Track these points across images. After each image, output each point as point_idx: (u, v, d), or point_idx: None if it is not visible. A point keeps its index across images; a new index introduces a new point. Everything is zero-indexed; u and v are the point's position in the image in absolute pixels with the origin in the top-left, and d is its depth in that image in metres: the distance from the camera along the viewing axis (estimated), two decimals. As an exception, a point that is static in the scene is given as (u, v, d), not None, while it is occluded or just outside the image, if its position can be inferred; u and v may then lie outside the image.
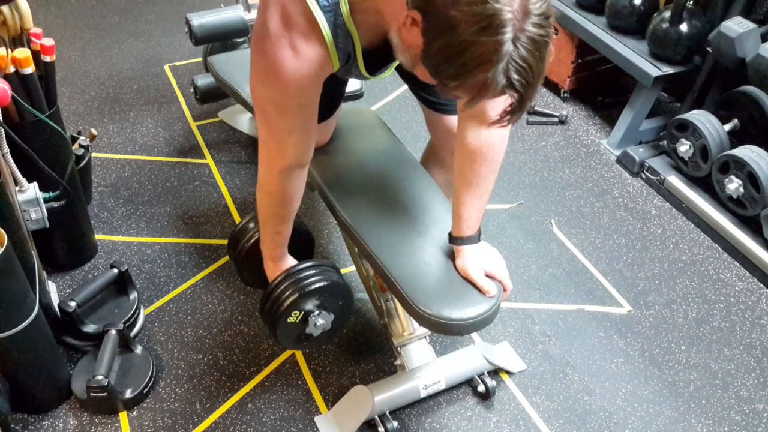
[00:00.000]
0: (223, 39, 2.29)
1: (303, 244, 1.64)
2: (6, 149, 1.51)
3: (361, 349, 1.80)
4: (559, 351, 1.82)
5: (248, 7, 2.23)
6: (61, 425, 1.58)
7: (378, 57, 1.15)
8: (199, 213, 2.19)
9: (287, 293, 1.39)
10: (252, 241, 1.56)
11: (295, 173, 1.29)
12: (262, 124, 1.21)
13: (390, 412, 1.59)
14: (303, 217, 2.18)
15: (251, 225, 1.58)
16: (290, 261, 1.49)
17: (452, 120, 1.50)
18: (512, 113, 0.88)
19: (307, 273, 1.41)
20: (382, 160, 1.64)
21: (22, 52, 1.54)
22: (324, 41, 1.06)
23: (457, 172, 1.31)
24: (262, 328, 1.83)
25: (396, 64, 1.27)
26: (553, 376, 1.76)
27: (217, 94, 2.37)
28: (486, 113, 1.22)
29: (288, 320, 1.40)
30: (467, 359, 1.68)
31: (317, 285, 1.40)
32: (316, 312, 1.43)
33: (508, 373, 1.75)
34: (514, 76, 0.82)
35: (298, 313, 1.40)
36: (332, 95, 1.56)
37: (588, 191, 2.39)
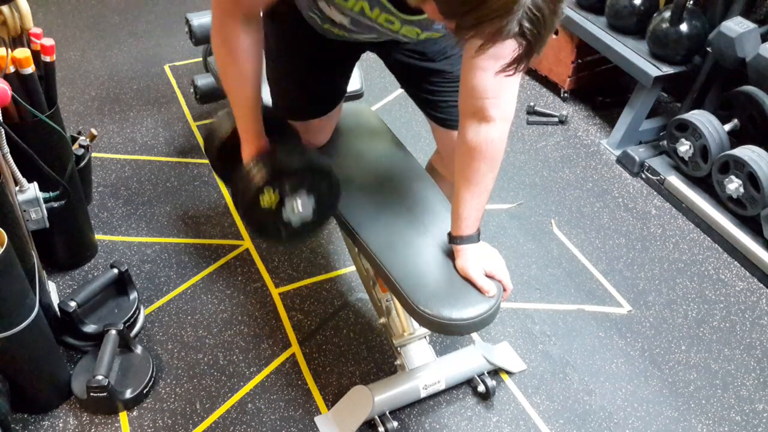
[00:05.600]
0: (223, 39, 2.29)
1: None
2: (6, 149, 1.51)
3: (361, 349, 1.80)
4: (559, 351, 1.82)
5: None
6: (61, 425, 1.58)
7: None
8: (199, 213, 2.19)
9: (259, 170, 1.25)
10: (225, 133, 1.42)
11: (233, 23, 1.21)
12: None
13: (390, 412, 1.59)
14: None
15: (225, 119, 1.44)
16: (265, 142, 1.36)
17: None
18: (518, 61, 0.88)
19: (282, 153, 1.28)
20: (382, 160, 1.64)
21: (22, 52, 1.54)
22: None
23: (457, 170, 1.31)
24: (263, 327, 1.84)
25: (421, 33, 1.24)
26: (553, 376, 1.76)
27: (217, 94, 2.37)
28: (486, 109, 1.22)
29: (262, 204, 1.25)
30: (467, 359, 1.68)
31: (294, 163, 1.26)
32: (292, 194, 1.27)
33: (508, 373, 1.75)
34: (527, 24, 0.81)
35: (271, 192, 1.25)
36: (334, 80, 1.55)
37: (588, 191, 2.39)
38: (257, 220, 1.30)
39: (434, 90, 1.50)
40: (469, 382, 1.71)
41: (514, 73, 0.90)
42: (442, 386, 1.63)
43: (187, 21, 2.21)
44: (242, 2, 1.19)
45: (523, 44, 0.84)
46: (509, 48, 0.86)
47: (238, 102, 1.31)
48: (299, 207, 1.29)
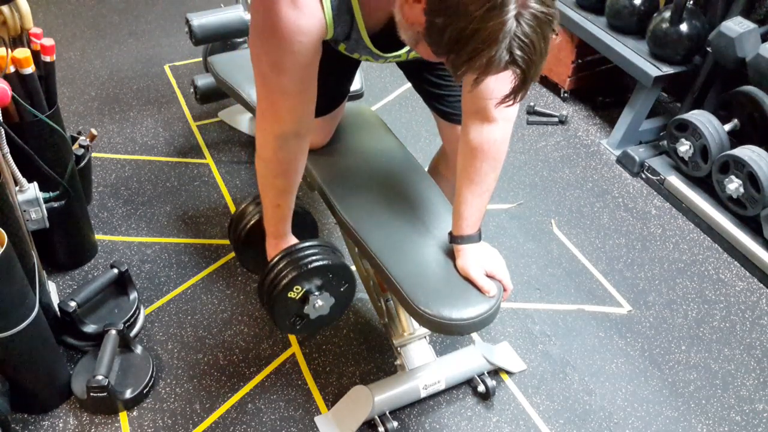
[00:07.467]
0: (223, 39, 2.29)
1: (306, 228, 1.60)
2: (6, 149, 1.51)
3: (361, 349, 1.80)
4: (559, 351, 1.82)
5: (248, 7, 2.23)
6: (61, 425, 1.58)
7: (387, 36, 1.13)
8: (199, 213, 2.19)
9: (290, 267, 1.35)
10: (252, 222, 1.53)
11: (291, 142, 1.25)
12: (260, 86, 1.18)
13: (390, 412, 1.59)
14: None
15: (251, 208, 1.55)
16: (293, 240, 1.45)
17: None
18: (516, 91, 0.89)
19: (312, 250, 1.38)
20: (382, 159, 1.64)
21: (22, 52, 1.54)
22: (322, 8, 1.06)
23: (459, 170, 1.31)
24: (262, 327, 1.84)
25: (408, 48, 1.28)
26: (553, 376, 1.76)
27: (217, 94, 2.37)
28: (488, 110, 1.22)
29: (289, 295, 1.36)
30: (467, 359, 1.68)
31: (323, 263, 1.36)
32: (317, 292, 1.39)
33: (508, 373, 1.75)
34: (517, 52, 0.82)
35: (299, 288, 1.36)
36: (338, 83, 1.55)
37: (588, 191, 2.39)
38: (280, 310, 1.40)
39: (439, 83, 1.50)
40: (469, 382, 1.71)
41: (513, 103, 0.91)
42: (442, 386, 1.63)
43: (187, 21, 2.21)
44: (301, 125, 1.24)
45: (518, 73, 0.86)
46: None
47: (269, 206, 1.38)
48: (320, 302, 1.40)
